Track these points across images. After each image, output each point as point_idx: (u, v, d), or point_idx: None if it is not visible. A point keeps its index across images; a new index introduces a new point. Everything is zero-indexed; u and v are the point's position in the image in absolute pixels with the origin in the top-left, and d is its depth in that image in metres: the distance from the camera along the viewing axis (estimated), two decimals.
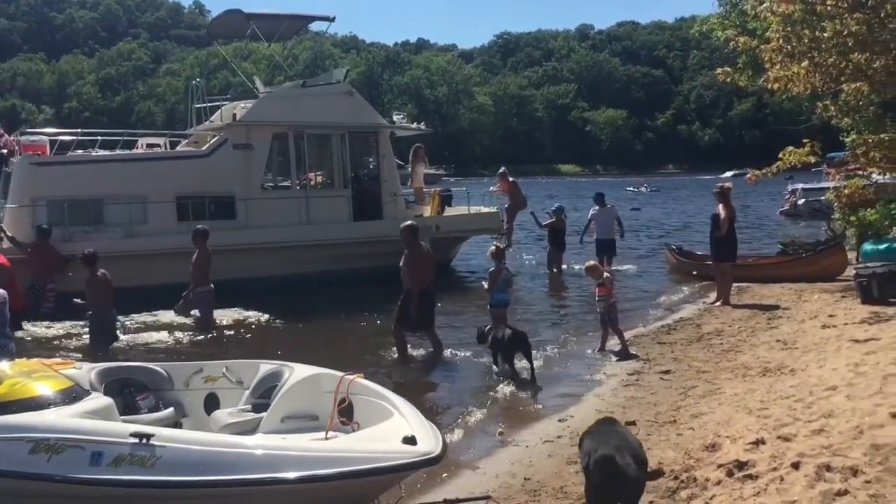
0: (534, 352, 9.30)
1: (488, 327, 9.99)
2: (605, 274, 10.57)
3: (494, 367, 9.31)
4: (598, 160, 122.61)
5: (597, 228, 17.16)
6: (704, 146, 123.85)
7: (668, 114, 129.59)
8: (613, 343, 10.37)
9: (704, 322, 11.64)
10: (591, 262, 10.54)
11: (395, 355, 10.35)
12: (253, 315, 13.05)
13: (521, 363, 9.22)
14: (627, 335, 10.60)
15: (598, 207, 17.35)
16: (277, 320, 12.88)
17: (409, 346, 10.57)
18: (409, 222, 10.92)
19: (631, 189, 61.71)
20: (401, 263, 10.56)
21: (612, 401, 8.05)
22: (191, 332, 11.96)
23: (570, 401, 8.23)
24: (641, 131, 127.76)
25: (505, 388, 8.69)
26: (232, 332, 12.18)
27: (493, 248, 11.21)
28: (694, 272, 16.04)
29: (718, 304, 12.85)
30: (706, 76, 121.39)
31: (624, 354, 9.99)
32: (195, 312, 12.25)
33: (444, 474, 6.13)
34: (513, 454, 6.68)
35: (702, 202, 44.07)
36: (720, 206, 12.86)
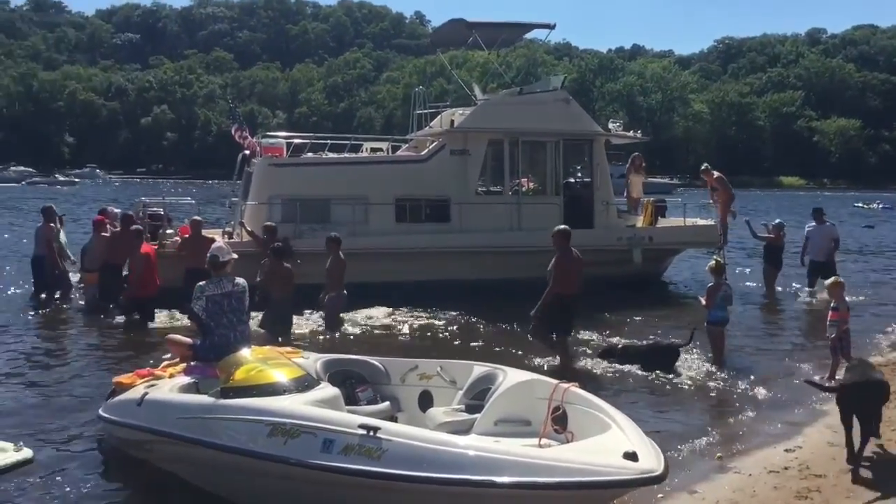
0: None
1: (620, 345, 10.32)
2: (844, 297, 9.71)
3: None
4: (825, 173, 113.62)
5: (811, 248, 15.71)
6: None
7: None
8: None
9: None
10: (836, 279, 9.72)
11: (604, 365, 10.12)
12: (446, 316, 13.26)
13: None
14: None
15: (814, 224, 15.92)
16: (478, 321, 12.99)
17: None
18: (562, 226, 10.90)
19: (861, 205, 56.55)
20: (549, 266, 10.42)
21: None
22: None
23: (797, 430, 7.69)
24: (877, 143, 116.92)
25: (724, 410, 8.26)
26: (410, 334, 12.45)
27: (714, 262, 10.72)
28: None
29: None
30: None
31: None
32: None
33: (660, 495, 5.91)
34: (734, 482, 6.31)
35: None
36: None
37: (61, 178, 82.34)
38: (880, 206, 56.02)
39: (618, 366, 10.02)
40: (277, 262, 11.93)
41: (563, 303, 10.34)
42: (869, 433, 6.50)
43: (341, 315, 12.71)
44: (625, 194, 18.69)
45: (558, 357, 10.38)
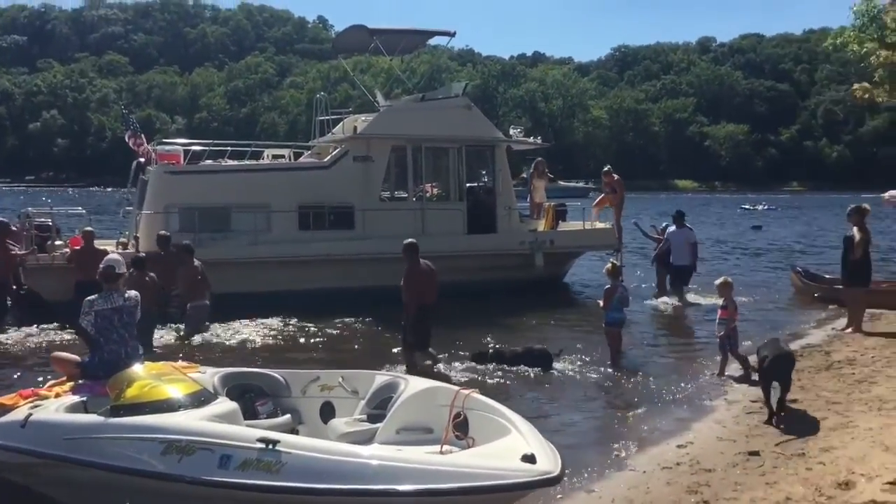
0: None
1: (496, 346, 10.61)
2: (733, 296, 10.15)
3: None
4: (717, 176, 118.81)
5: (673, 252, 15.39)
6: (832, 163, 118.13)
7: (792, 129, 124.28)
8: (734, 368, 9.97)
9: (834, 349, 11.04)
10: (725, 279, 10.15)
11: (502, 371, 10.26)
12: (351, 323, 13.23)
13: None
14: (751, 360, 10.15)
15: (674, 227, 15.73)
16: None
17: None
18: (409, 240, 10.71)
19: (747, 207, 59.31)
20: (401, 282, 10.47)
21: (735, 429, 7.73)
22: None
23: (688, 426, 7.96)
24: (764, 147, 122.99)
25: (620, 411, 8.50)
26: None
27: (610, 265, 11.04)
28: (816, 294, 15.32)
29: (849, 330, 12.17)
30: (836, 91, 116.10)
31: (746, 380, 9.60)
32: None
33: (559, 496, 6.04)
34: (629, 479, 6.50)
35: (827, 222, 42.12)
36: (854, 227, 12.17)
37: None
38: (765, 207, 58.84)
39: (506, 368, 10.16)
40: (141, 274, 11.37)
41: (418, 313, 10.31)
42: (785, 395, 7.94)
43: (206, 324, 12.46)
44: (528, 199, 19.03)
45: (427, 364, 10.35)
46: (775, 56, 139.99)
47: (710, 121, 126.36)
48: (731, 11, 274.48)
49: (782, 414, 7.84)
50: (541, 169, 19.01)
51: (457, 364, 10.49)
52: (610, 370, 10.22)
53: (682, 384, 9.55)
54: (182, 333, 12.23)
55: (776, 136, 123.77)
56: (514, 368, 10.17)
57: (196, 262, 12.58)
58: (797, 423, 7.69)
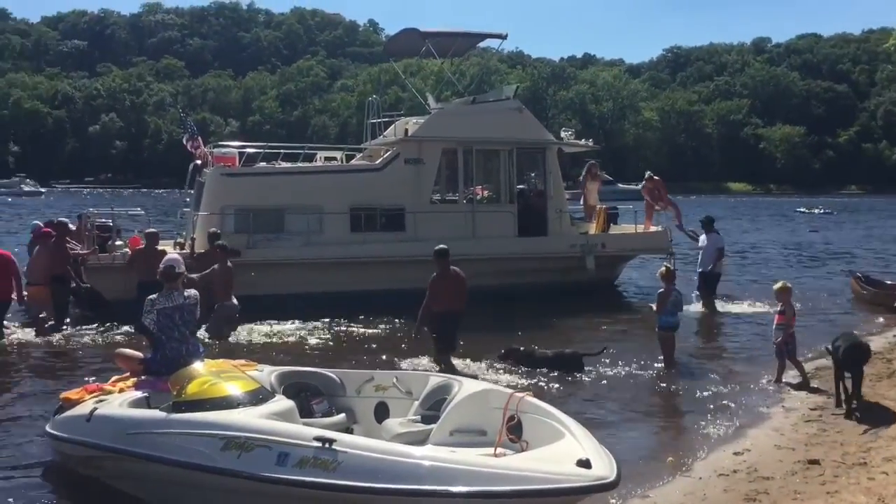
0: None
1: (524, 347, 10.45)
2: (791, 301, 9.95)
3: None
4: (771, 178, 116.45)
5: (701, 258, 14.89)
6: (892, 166, 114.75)
7: (851, 131, 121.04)
8: (792, 375, 9.78)
9: None
10: (783, 284, 9.97)
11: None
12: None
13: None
14: (808, 367, 9.99)
15: (704, 234, 15.38)
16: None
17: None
18: (441, 246, 10.80)
19: (801, 210, 58.02)
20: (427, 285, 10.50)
21: (793, 436, 7.59)
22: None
23: (745, 434, 7.82)
24: (821, 149, 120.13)
25: (673, 417, 8.41)
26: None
27: (664, 268, 10.94)
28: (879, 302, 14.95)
29: None
30: None
31: (804, 388, 9.41)
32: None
33: (612, 500, 5.99)
34: (685, 485, 6.43)
35: (889, 226, 40.99)
36: None
37: (26, 189, 79.82)
38: (822, 211, 57.44)
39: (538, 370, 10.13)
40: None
41: (441, 319, 10.38)
42: (857, 386, 8.28)
43: (233, 324, 12.48)
44: (581, 202, 18.89)
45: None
46: (833, 56, 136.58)
47: (765, 122, 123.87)
48: (787, 11, 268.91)
49: (854, 406, 8.13)
50: (594, 171, 18.86)
51: (484, 365, 10.45)
52: (663, 375, 10.11)
53: (738, 390, 9.41)
54: (207, 332, 12.26)
55: (834, 138, 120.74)
56: (547, 371, 10.07)
57: (229, 263, 12.61)
58: (858, 432, 7.52)
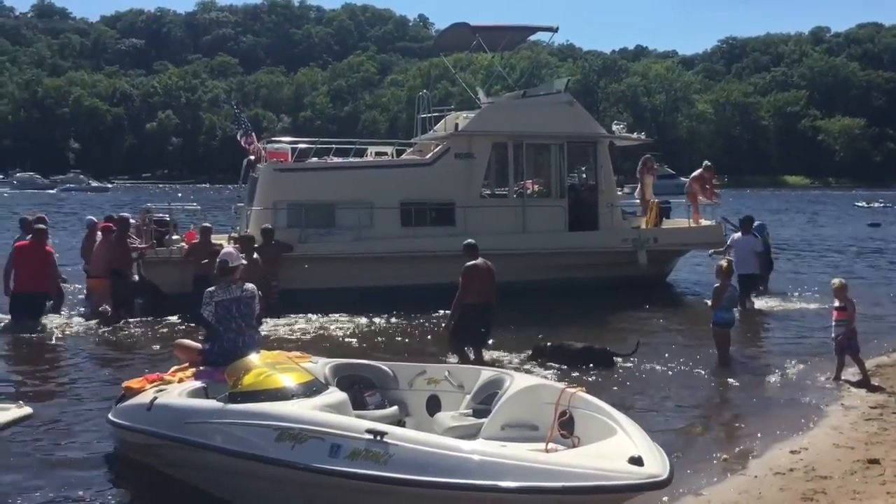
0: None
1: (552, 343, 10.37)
2: (849, 297, 9.72)
3: None
4: (830, 172, 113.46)
5: (736, 260, 13.51)
6: None
7: None
8: (851, 372, 9.55)
9: None
10: (840, 280, 9.75)
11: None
12: None
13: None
14: (869, 365, 9.74)
15: (739, 234, 14.85)
16: None
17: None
18: (469, 240, 10.86)
19: (862, 204, 56.45)
20: (460, 277, 10.41)
21: (852, 435, 7.42)
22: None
23: (802, 432, 7.67)
24: (882, 141, 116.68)
25: (728, 414, 8.29)
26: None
27: (724, 263, 10.83)
28: None
29: None
30: None
31: (864, 385, 9.18)
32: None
33: (665, 498, 5.93)
34: (739, 484, 6.33)
35: None
36: None
37: (94, 184, 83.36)
38: (882, 204, 55.84)
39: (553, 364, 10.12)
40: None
41: (474, 313, 10.32)
42: None
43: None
44: (636, 195, 18.67)
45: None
46: (895, 46, 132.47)
47: (824, 114, 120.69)
48: (846, 0, 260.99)
49: None
50: (649, 165, 18.59)
51: (514, 359, 10.47)
52: (717, 372, 9.96)
53: (795, 388, 9.24)
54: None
55: (895, 129, 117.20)
56: (582, 366, 10.02)
57: (255, 256, 12.65)
58: None
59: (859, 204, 56.88)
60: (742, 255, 14.24)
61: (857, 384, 9.25)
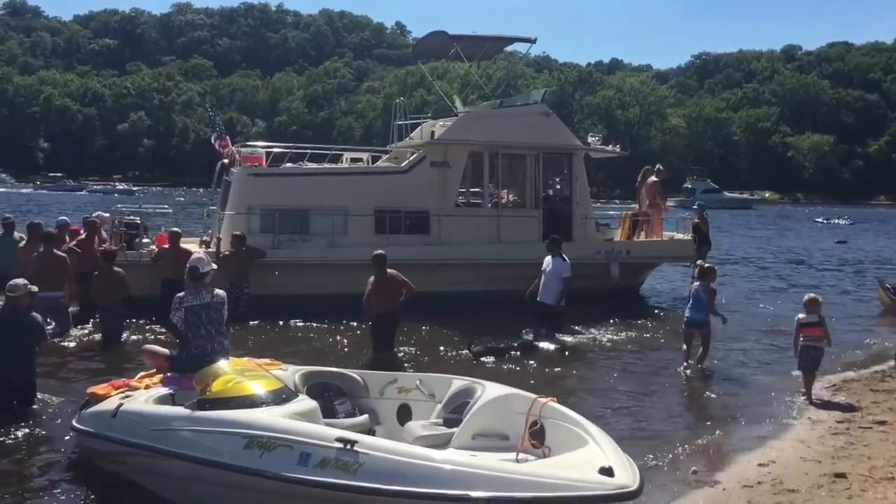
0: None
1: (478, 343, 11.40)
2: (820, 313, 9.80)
3: None
4: (800, 188, 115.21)
5: (541, 286, 12.54)
6: None
7: (881, 141, 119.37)
8: (819, 386, 9.65)
9: None
10: (812, 296, 9.83)
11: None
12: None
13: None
14: (836, 379, 9.89)
15: (549, 257, 12.92)
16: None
17: None
18: (378, 251, 11.51)
19: (821, 220, 56.99)
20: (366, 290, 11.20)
21: (819, 449, 7.49)
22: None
23: (770, 445, 7.72)
24: (850, 159, 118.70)
25: (698, 424, 8.33)
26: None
27: (706, 265, 11.47)
28: None
29: None
30: None
31: (830, 400, 9.28)
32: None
33: None
34: (708, 496, 6.36)
35: None
36: None
37: (120, 187, 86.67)
38: (846, 221, 56.11)
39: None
40: (109, 267, 11.58)
41: (379, 321, 11.24)
42: None
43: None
44: (638, 207, 18.67)
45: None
46: (864, 65, 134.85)
47: (794, 131, 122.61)
48: (818, 19, 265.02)
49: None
50: (649, 176, 18.68)
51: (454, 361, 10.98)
52: (687, 383, 10.03)
53: (763, 401, 9.30)
54: None
55: (864, 147, 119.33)
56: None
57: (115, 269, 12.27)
58: (886, 446, 7.41)
59: (818, 220, 57.40)
60: (545, 279, 12.63)
61: (824, 398, 9.33)
